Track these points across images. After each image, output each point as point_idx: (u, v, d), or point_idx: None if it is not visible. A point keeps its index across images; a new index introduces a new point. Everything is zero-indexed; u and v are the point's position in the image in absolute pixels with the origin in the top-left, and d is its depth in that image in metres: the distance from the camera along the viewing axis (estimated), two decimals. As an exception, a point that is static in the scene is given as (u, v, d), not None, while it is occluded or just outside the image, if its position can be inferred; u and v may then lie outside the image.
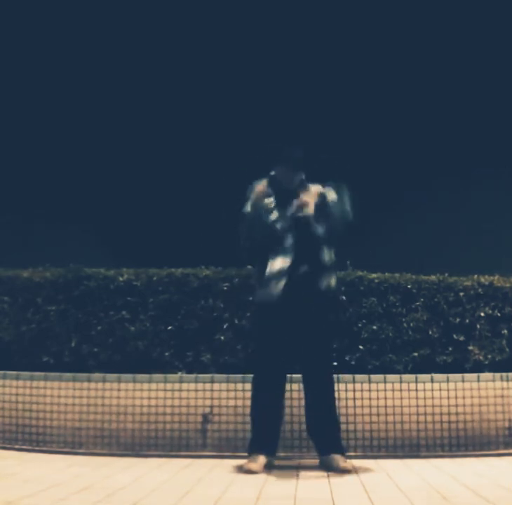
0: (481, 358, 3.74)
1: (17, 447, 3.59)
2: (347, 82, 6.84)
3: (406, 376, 3.59)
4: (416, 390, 3.56)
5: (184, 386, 3.58)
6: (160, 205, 6.69)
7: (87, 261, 4.14)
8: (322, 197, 3.19)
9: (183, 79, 6.88)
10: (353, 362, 3.71)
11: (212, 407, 3.53)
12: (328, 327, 3.18)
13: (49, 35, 6.93)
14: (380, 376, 3.58)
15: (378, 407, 3.54)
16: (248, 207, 3.17)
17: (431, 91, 6.95)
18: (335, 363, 3.68)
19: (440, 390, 3.57)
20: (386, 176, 6.71)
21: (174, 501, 2.32)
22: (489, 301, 3.89)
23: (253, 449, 3.06)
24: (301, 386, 3.61)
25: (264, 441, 3.07)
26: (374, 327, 3.77)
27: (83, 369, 3.71)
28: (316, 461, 3.15)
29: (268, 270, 3.04)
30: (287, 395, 3.52)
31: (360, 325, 3.78)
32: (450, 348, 3.77)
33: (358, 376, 3.57)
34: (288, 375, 3.55)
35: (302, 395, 3.59)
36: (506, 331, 3.83)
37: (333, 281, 3.16)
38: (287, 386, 3.53)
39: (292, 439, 3.48)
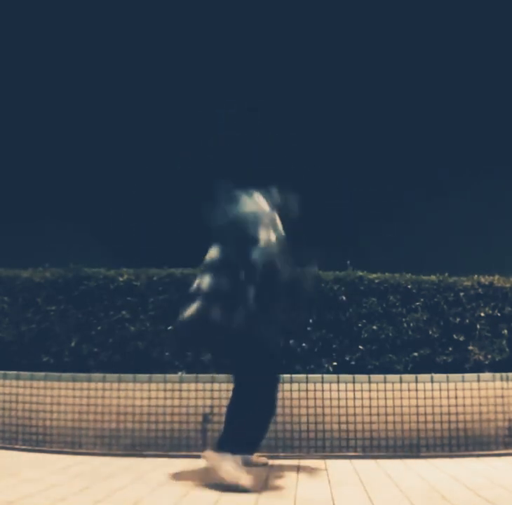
0: (481, 358, 3.74)
1: (17, 447, 3.59)
2: (348, 80, 6.84)
3: (406, 376, 3.59)
4: (416, 390, 3.56)
5: (184, 386, 3.58)
6: (160, 205, 6.69)
7: (87, 261, 4.14)
8: None
9: (184, 80, 6.88)
10: (353, 362, 3.71)
11: (212, 407, 3.53)
12: None
13: (49, 35, 6.93)
14: (380, 377, 3.58)
15: (378, 407, 3.54)
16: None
17: (433, 90, 6.95)
18: (335, 363, 3.69)
19: (440, 390, 3.57)
20: (385, 176, 6.71)
21: (174, 501, 2.32)
22: (489, 301, 3.89)
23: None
24: (300, 386, 3.63)
25: None
26: (374, 327, 3.77)
27: (83, 369, 3.72)
28: (317, 461, 3.15)
29: None
30: (287, 395, 3.53)
31: (360, 325, 3.78)
32: (450, 348, 3.77)
33: (358, 376, 3.57)
34: (288, 375, 3.56)
35: (302, 395, 3.60)
36: (506, 331, 3.83)
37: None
38: (288, 386, 3.54)
39: (291, 439, 3.49)
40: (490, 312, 3.86)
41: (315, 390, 3.54)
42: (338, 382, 3.55)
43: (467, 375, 3.61)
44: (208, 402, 3.53)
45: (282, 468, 3.04)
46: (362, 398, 3.54)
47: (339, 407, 3.53)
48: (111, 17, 6.99)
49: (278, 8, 6.84)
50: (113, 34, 6.89)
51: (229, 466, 2.61)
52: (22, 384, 3.69)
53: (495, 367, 3.72)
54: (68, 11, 6.93)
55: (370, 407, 3.54)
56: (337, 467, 3.11)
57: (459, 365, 3.72)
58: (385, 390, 3.55)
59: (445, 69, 6.92)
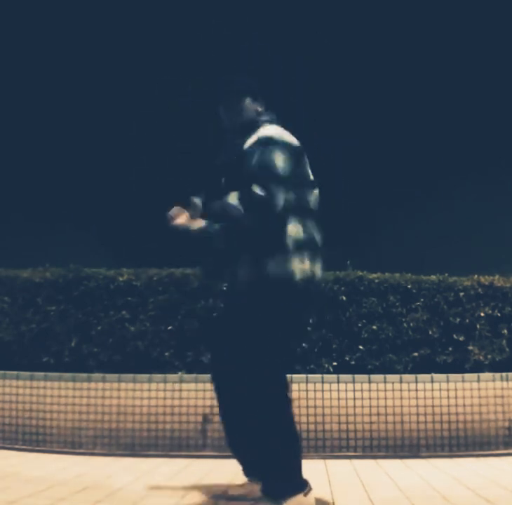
0: (481, 358, 3.74)
1: (17, 447, 3.59)
2: (349, 77, 6.84)
3: (406, 376, 3.59)
4: (416, 390, 3.56)
5: (184, 386, 3.58)
6: (160, 205, 6.69)
7: (87, 261, 4.14)
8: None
9: (185, 81, 6.88)
10: (353, 362, 3.71)
11: (212, 407, 3.52)
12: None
13: (49, 35, 6.93)
14: (380, 377, 3.58)
15: (378, 407, 3.53)
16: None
17: (434, 90, 6.95)
18: (335, 363, 3.69)
19: (440, 390, 3.57)
20: (386, 176, 6.71)
21: (174, 501, 2.32)
22: (489, 301, 3.89)
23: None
24: (300, 386, 3.62)
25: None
26: (374, 327, 3.77)
27: (83, 369, 3.72)
28: (317, 461, 3.14)
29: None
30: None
31: (360, 325, 3.78)
32: (450, 348, 3.77)
33: (358, 376, 3.57)
34: (288, 375, 3.55)
35: (302, 395, 3.59)
36: (506, 331, 3.83)
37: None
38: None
39: (292, 439, 3.48)
40: (490, 312, 3.86)
41: (315, 390, 3.54)
42: (338, 382, 3.55)
43: (467, 375, 3.61)
44: (208, 402, 3.53)
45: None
46: (362, 398, 3.54)
47: (339, 407, 3.53)
48: (111, 17, 7.00)
49: (278, 7, 6.84)
50: (116, 37, 6.90)
51: None
52: (22, 384, 3.69)
53: (495, 367, 3.72)
54: (68, 11, 6.93)
55: (370, 407, 3.53)
56: (337, 467, 3.12)
57: (459, 365, 3.72)
58: (385, 390, 3.55)
59: (451, 72, 6.92)
